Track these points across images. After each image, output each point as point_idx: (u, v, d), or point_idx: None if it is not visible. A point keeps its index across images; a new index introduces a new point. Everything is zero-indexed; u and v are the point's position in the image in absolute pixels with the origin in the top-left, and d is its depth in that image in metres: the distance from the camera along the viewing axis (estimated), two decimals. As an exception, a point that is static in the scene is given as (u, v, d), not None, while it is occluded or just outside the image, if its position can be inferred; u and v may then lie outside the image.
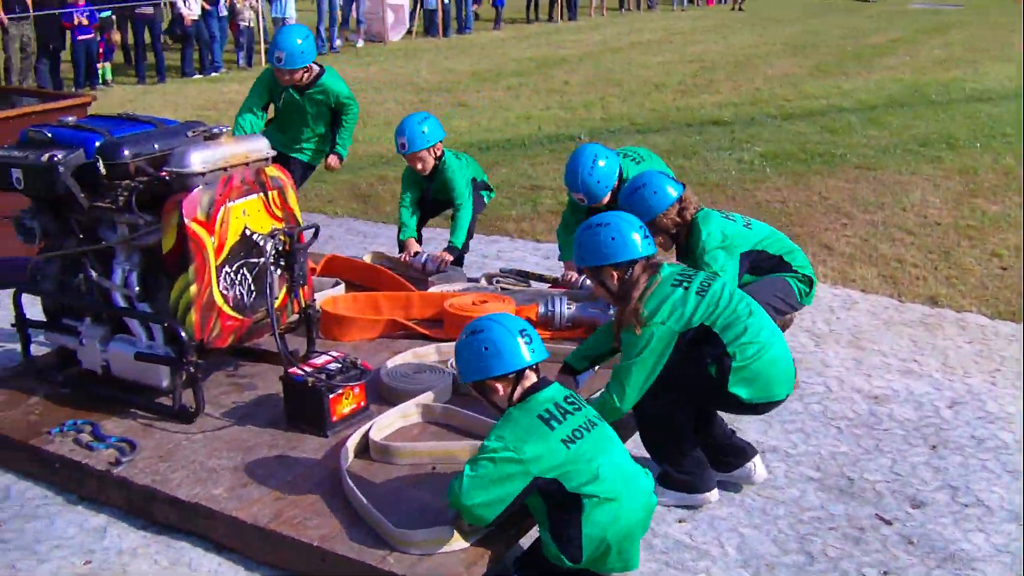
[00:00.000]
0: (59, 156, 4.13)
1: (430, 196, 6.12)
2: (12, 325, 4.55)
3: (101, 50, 16.26)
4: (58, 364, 4.60)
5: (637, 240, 3.86)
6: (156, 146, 4.26)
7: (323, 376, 4.02)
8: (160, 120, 4.62)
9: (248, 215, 4.22)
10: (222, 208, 4.08)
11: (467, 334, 3.46)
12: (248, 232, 4.22)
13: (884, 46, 20.88)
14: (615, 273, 3.89)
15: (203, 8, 17.39)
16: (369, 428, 3.95)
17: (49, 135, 4.28)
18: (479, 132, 12.01)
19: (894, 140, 10.91)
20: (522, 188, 9.10)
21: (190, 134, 4.37)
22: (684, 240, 4.68)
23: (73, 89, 15.38)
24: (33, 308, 4.66)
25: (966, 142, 10.73)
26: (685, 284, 3.85)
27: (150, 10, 17.31)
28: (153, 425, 4.12)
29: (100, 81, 16.18)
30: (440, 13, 24.83)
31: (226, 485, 3.66)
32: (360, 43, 22.72)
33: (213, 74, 17.63)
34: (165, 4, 17.53)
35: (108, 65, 16.79)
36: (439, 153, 5.89)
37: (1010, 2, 30.07)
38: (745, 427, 4.52)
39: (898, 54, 19.24)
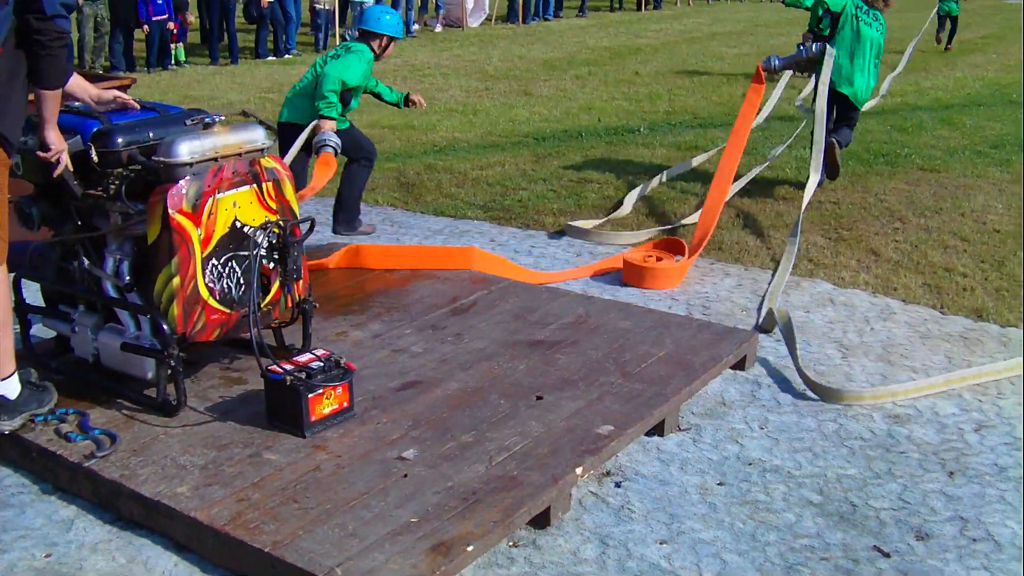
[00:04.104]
0: (54, 142, 4.08)
1: None
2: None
3: (175, 31, 16.41)
4: (55, 351, 4.59)
5: None
6: (151, 134, 4.19)
7: (303, 375, 3.92)
8: (164, 107, 4.56)
9: (239, 207, 4.13)
10: (210, 199, 4.00)
11: None
12: (238, 224, 4.13)
13: (973, 43, 20.17)
14: None
15: (279, -10, 17.50)
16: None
17: (49, 120, 4.23)
18: (537, 122, 11.85)
19: (964, 141, 10.48)
20: (569, 181, 8.91)
21: (188, 123, 4.30)
22: None
23: (146, 70, 15.58)
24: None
25: (1042, 145, 10.26)
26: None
27: (226, -9, 17.44)
28: (135, 417, 4.07)
29: (172, 62, 16.33)
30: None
31: (192, 483, 3.57)
32: (438, 28, 22.71)
33: (286, 56, 17.72)
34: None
35: (181, 46, 16.95)
36: None
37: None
38: (749, 444, 4.33)
39: (987, 52, 18.57)
